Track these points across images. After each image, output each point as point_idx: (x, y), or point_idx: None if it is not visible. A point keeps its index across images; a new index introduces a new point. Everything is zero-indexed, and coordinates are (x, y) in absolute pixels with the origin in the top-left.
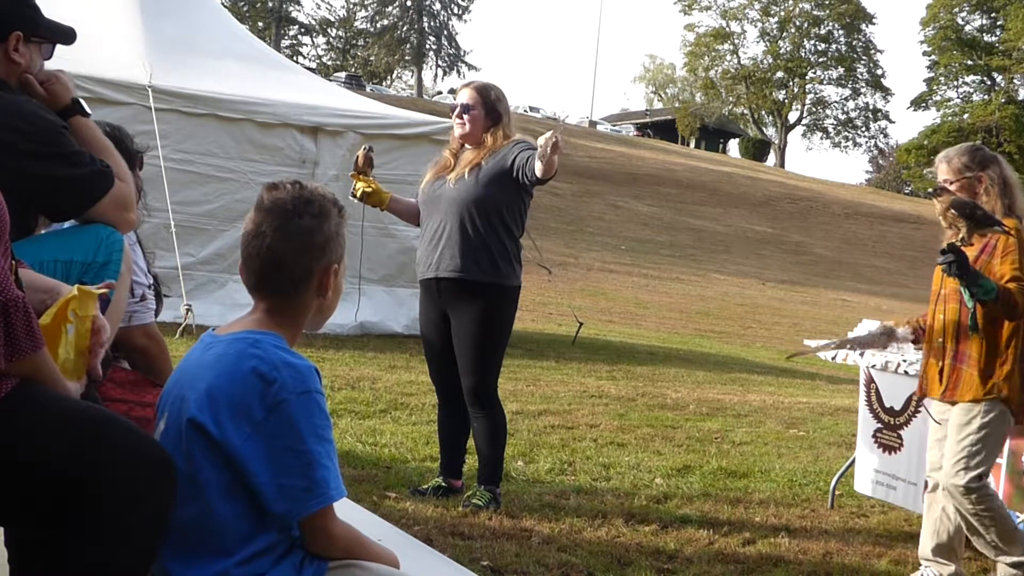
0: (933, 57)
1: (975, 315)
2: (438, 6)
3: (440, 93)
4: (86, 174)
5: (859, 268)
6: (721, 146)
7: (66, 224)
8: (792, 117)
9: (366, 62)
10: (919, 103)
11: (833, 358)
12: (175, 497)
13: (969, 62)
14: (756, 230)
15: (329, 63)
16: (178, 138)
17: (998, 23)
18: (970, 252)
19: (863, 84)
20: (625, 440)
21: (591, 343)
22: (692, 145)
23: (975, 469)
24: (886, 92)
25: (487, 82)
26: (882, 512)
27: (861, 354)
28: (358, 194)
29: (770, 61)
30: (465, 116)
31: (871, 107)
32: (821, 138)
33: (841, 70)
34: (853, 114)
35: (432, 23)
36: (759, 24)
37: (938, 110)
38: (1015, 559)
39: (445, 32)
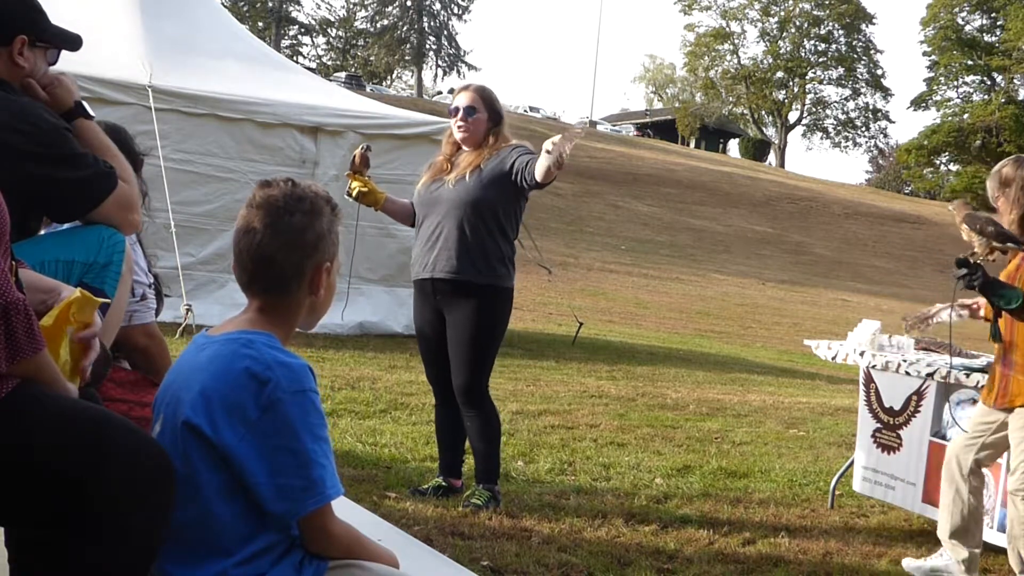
0: (933, 57)
1: (996, 325)
2: (438, 6)
3: (440, 93)
4: (89, 175)
5: (859, 268)
6: (721, 146)
7: (66, 224)
8: (792, 117)
9: (366, 62)
10: (919, 103)
11: (833, 358)
12: (175, 497)
13: (969, 62)
14: (756, 230)
15: (329, 63)
16: (178, 138)
17: (998, 23)
18: (1014, 261)
19: (863, 84)
20: (625, 440)
21: (591, 343)
22: (692, 145)
23: None
24: (886, 92)
25: (483, 84)
26: (882, 512)
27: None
28: (353, 193)
29: (770, 61)
30: (470, 119)
31: (871, 107)
32: (821, 138)
33: (841, 70)
34: (853, 114)
35: (432, 23)
36: (759, 24)
37: (938, 110)
38: None
39: (445, 32)
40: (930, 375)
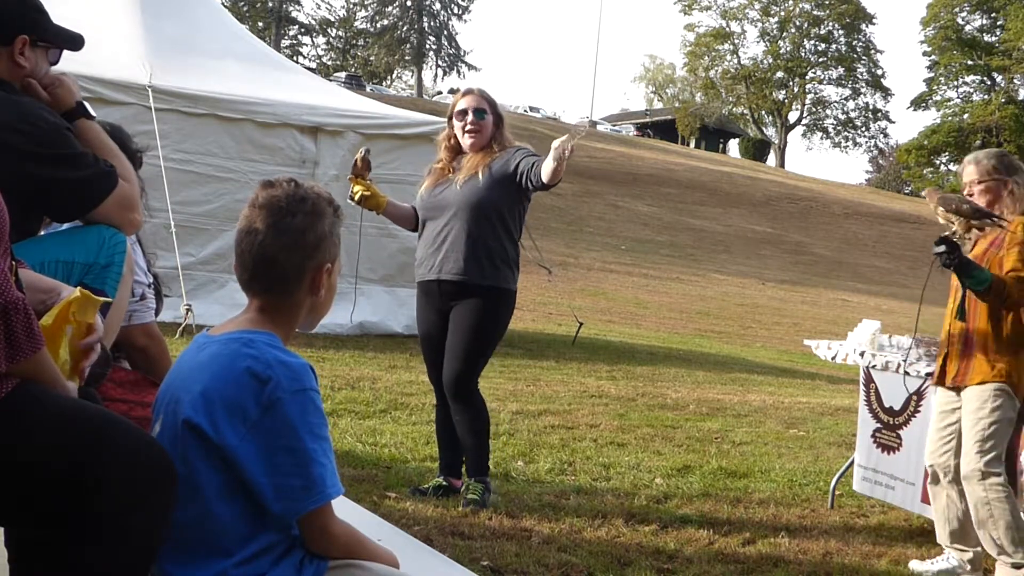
0: (933, 57)
1: (963, 304)
2: (438, 6)
3: (440, 93)
4: (90, 175)
5: (859, 268)
6: (721, 146)
7: (66, 224)
8: (792, 117)
9: (366, 62)
10: (919, 103)
11: (833, 358)
12: (175, 497)
13: (969, 62)
14: (756, 230)
15: (329, 63)
16: (178, 138)
17: (998, 23)
18: (980, 245)
19: (863, 84)
20: (625, 440)
21: (591, 343)
22: (692, 145)
23: (991, 452)
24: (886, 92)
25: (481, 87)
26: (882, 512)
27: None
28: (356, 197)
29: (770, 61)
30: (481, 121)
31: (871, 107)
32: (821, 138)
33: (841, 70)
34: (853, 114)
35: (432, 23)
36: (759, 24)
37: (938, 110)
38: (1016, 560)
39: (445, 32)
40: (930, 375)
